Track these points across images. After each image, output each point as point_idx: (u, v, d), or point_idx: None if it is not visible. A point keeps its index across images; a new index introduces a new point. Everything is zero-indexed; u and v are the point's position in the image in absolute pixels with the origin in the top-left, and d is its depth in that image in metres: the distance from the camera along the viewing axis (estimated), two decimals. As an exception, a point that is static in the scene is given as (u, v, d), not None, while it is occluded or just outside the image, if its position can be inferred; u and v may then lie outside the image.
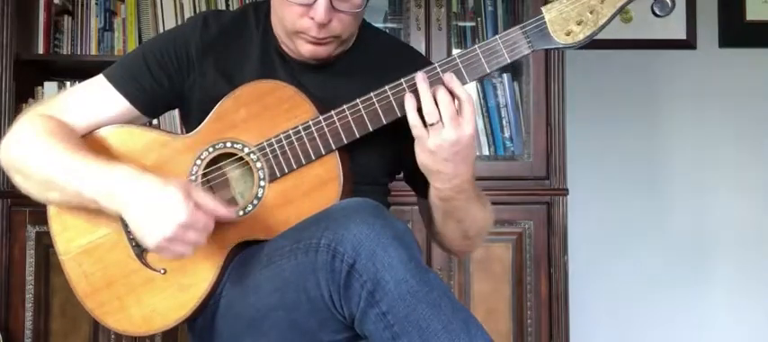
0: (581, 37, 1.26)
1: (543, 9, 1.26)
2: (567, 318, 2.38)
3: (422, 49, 2.38)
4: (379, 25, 2.55)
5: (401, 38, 2.41)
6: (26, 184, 1.30)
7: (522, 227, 2.38)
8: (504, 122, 2.49)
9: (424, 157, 1.23)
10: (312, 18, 1.25)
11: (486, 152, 2.47)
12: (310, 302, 1.13)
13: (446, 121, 1.20)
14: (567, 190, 2.39)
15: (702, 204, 2.99)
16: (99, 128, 1.34)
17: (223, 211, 1.19)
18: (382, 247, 1.07)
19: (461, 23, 2.60)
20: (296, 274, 1.14)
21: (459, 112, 1.21)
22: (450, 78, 1.22)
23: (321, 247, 1.10)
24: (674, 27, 2.91)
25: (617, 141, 2.97)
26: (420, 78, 1.22)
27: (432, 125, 1.20)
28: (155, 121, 2.32)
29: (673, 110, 3.00)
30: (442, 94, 1.21)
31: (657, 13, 1.27)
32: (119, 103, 1.34)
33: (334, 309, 1.12)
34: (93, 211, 1.29)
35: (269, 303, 1.19)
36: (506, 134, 2.49)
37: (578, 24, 1.25)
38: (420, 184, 1.34)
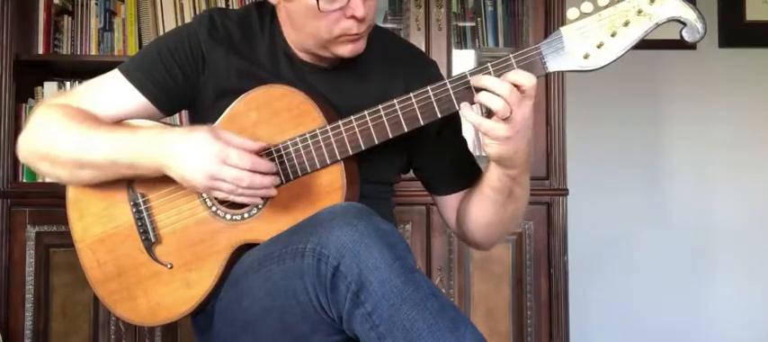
0: (601, 62, 1.15)
1: (562, 29, 1.17)
2: (566, 318, 2.38)
3: (422, 49, 2.37)
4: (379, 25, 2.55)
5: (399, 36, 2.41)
6: (54, 169, 1.31)
7: (522, 227, 2.38)
8: (504, 122, 2.49)
9: (500, 148, 1.20)
10: (351, 16, 1.25)
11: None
12: (300, 307, 1.14)
13: (515, 106, 1.15)
14: (567, 190, 2.39)
15: (702, 204, 2.99)
16: (114, 121, 1.34)
17: (251, 143, 1.21)
18: (366, 247, 1.08)
19: (461, 24, 2.60)
20: (285, 279, 1.16)
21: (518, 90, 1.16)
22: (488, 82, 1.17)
23: (307, 251, 1.12)
24: (674, 27, 2.90)
25: (617, 141, 2.97)
26: (479, 79, 1.17)
27: (506, 118, 1.16)
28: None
29: (673, 110, 3.00)
30: (498, 86, 1.16)
31: (686, 38, 1.15)
32: (133, 98, 1.34)
33: (323, 312, 1.13)
34: (109, 202, 1.33)
35: (261, 307, 1.21)
36: (506, 134, 2.49)
37: (598, 47, 1.15)
38: (442, 183, 1.34)
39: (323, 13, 1.24)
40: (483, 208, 1.36)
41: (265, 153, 1.26)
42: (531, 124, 1.21)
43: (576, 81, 2.59)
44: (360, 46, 1.31)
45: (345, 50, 1.30)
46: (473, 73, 1.20)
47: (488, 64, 1.20)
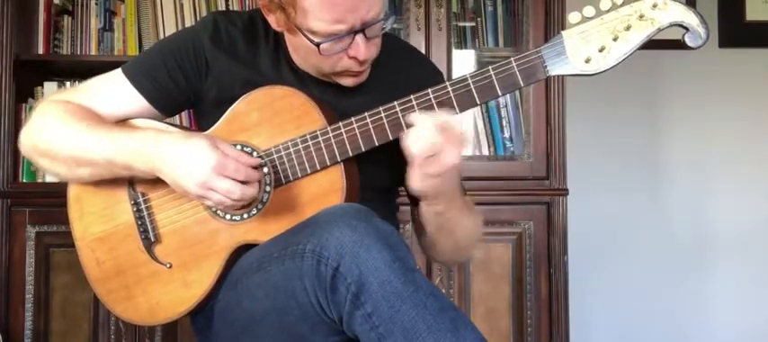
0: (602, 66, 1.15)
1: (563, 33, 1.16)
2: (566, 318, 2.38)
3: (422, 49, 2.37)
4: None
5: (401, 38, 2.40)
6: (53, 165, 1.32)
7: (522, 227, 2.38)
8: (503, 122, 2.49)
9: (425, 183, 1.22)
10: (353, 57, 1.25)
11: (485, 152, 2.47)
12: (300, 308, 1.15)
13: (448, 148, 1.17)
14: (567, 190, 2.39)
15: (702, 204, 2.99)
16: (114, 121, 1.35)
17: (246, 157, 1.21)
18: (365, 248, 1.08)
19: (461, 23, 2.60)
20: (284, 280, 1.16)
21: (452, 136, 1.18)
22: (416, 118, 1.19)
23: (306, 252, 1.12)
24: (674, 27, 2.91)
25: (617, 141, 2.97)
26: (415, 118, 1.20)
27: (432, 156, 1.18)
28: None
29: (672, 110, 3.00)
30: (437, 124, 1.18)
31: (689, 44, 1.15)
32: (134, 99, 1.34)
33: (323, 313, 1.13)
34: (110, 200, 1.33)
35: (261, 308, 1.21)
36: (506, 134, 2.50)
37: (600, 51, 1.15)
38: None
39: (325, 56, 1.24)
40: (427, 229, 1.37)
41: (265, 153, 1.27)
42: (457, 175, 1.24)
43: (575, 81, 2.57)
44: (362, 78, 1.31)
45: (347, 82, 1.31)
46: (473, 75, 1.20)
47: (489, 67, 1.20)
